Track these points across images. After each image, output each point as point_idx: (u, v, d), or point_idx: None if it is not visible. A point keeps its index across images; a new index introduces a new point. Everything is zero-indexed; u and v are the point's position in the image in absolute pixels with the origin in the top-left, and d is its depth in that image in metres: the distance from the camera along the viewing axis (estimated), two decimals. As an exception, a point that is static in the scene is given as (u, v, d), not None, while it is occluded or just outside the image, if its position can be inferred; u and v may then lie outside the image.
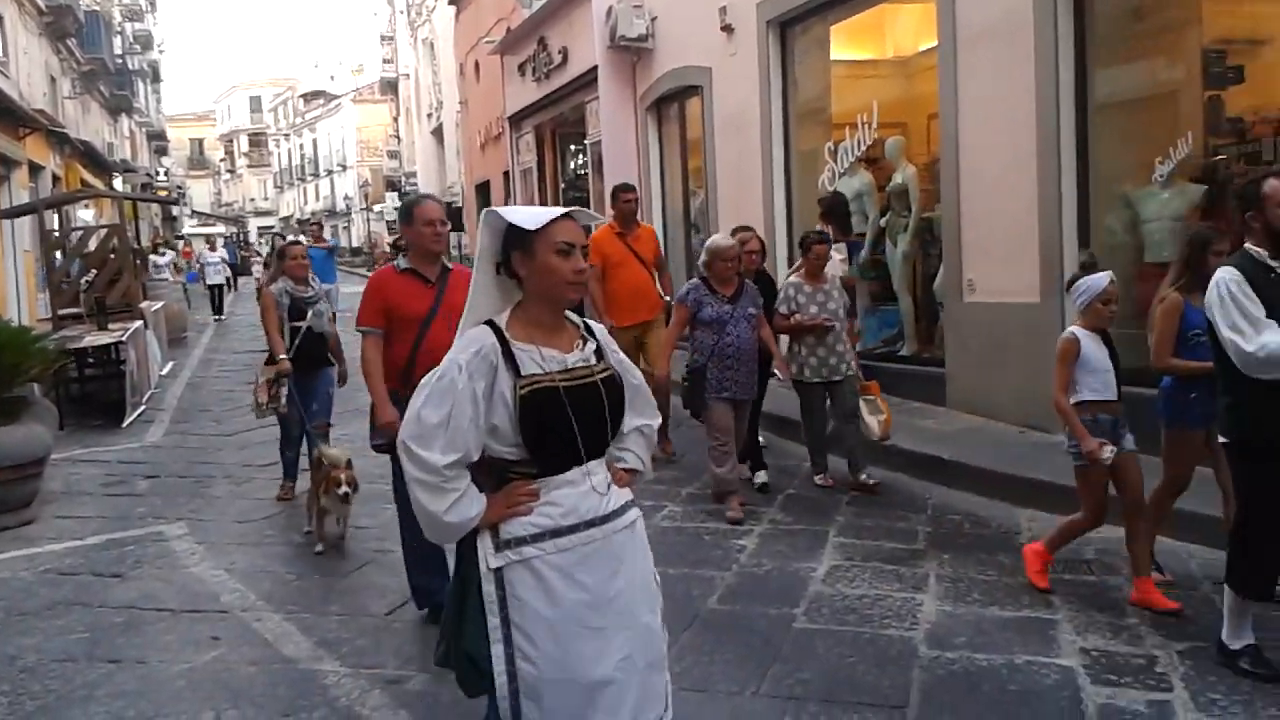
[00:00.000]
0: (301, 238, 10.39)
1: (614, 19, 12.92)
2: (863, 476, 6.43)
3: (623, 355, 2.60)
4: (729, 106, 11.08)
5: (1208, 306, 3.64)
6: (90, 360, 11.28)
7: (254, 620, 4.70)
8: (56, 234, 14.82)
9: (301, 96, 67.63)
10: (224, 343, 17.81)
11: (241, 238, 55.21)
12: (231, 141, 78.03)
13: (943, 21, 7.89)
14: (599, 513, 2.38)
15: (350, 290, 16.98)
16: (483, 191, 23.19)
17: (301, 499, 6.50)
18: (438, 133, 32.90)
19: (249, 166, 76.22)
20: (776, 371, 6.39)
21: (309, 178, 64.66)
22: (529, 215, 2.35)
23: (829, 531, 5.66)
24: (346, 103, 58.10)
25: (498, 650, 2.29)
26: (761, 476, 6.59)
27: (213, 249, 26.54)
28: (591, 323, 2.57)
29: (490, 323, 2.38)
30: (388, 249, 31.60)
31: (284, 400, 6.42)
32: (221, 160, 79.37)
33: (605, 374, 2.43)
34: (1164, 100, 7.16)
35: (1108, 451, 4.26)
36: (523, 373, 2.30)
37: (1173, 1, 7.16)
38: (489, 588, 2.31)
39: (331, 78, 64.75)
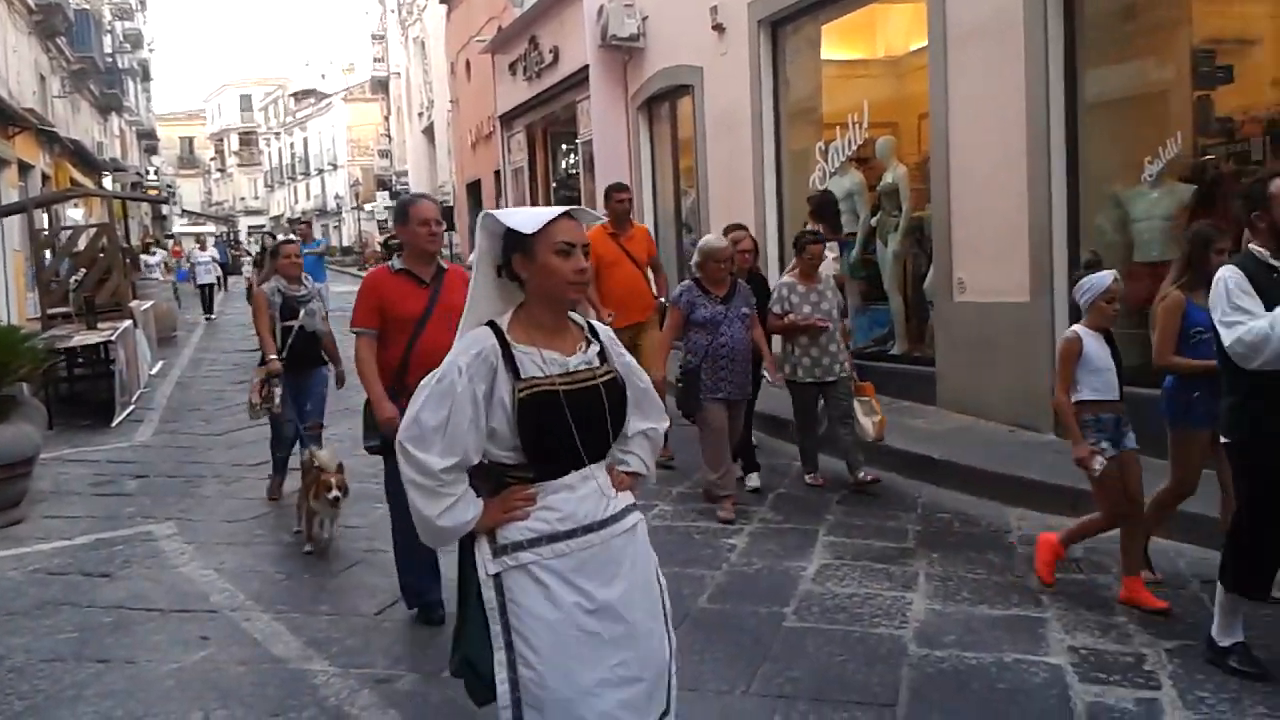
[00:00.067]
0: (293, 236, 10.35)
1: (605, 18, 12.92)
2: (861, 475, 6.43)
3: (630, 358, 2.55)
4: (720, 106, 11.08)
5: (1211, 306, 3.64)
6: (79, 360, 11.21)
7: (243, 620, 4.69)
8: (46, 233, 14.75)
9: (292, 95, 67.40)
10: (214, 342, 17.75)
11: (232, 237, 55.03)
12: (222, 140, 77.78)
13: (933, 21, 7.92)
14: (597, 517, 2.36)
15: (340, 290, 16.93)
16: (474, 191, 23.19)
17: (290, 498, 6.49)
18: (429, 132, 32.83)
19: (239, 165, 75.94)
20: (765, 373, 6.39)
21: (299, 177, 64.44)
22: (527, 218, 2.32)
23: (819, 530, 5.67)
24: (337, 101, 57.90)
25: (500, 657, 2.27)
26: (754, 480, 6.57)
27: (203, 248, 26.39)
28: (597, 324, 2.54)
29: (492, 324, 2.35)
30: (379, 248, 31.55)
31: (277, 400, 6.41)
32: (212, 159, 79.12)
33: (607, 377, 2.40)
34: (1153, 100, 7.19)
35: (1098, 462, 4.26)
36: (522, 375, 2.28)
37: (1162, 1, 7.19)
38: (489, 594, 2.30)
39: (322, 76, 64.52)
